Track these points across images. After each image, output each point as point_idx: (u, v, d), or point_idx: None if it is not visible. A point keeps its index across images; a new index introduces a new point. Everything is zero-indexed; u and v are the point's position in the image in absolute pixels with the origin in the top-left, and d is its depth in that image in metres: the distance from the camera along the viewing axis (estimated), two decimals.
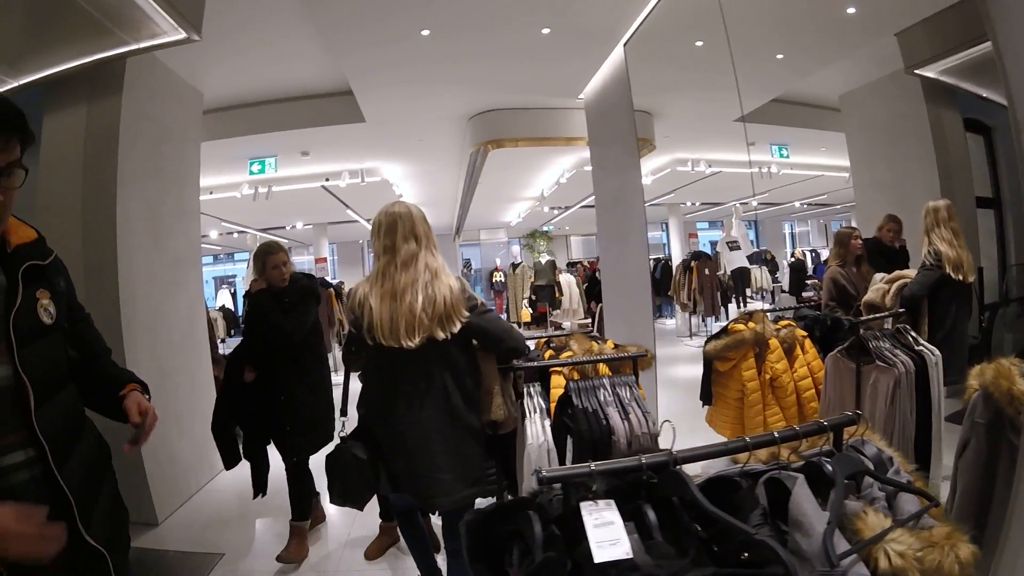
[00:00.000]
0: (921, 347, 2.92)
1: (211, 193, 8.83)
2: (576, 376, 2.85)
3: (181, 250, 4.73)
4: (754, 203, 8.28)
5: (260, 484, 3.57)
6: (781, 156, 5.63)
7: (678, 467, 1.13)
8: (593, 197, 11.07)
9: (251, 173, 8.54)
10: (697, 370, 3.54)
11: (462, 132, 7.73)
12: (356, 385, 2.62)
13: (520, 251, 13.37)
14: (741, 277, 8.14)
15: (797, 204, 8.06)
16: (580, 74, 5.48)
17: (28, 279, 1.36)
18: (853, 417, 1.35)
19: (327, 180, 9.36)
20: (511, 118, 7.02)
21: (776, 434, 1.28)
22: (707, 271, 7.83)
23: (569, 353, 3.17)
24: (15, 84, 3.66)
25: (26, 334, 1.32)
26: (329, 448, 2.50)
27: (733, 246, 8.18)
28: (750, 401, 3.25)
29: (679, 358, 7.29)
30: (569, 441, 2.38)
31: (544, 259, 12.48)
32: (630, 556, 0.98)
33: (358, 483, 2.37)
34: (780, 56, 3.91)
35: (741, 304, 7.99)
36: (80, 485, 1.39)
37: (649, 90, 4.68)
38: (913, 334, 3.01)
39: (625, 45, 4.63)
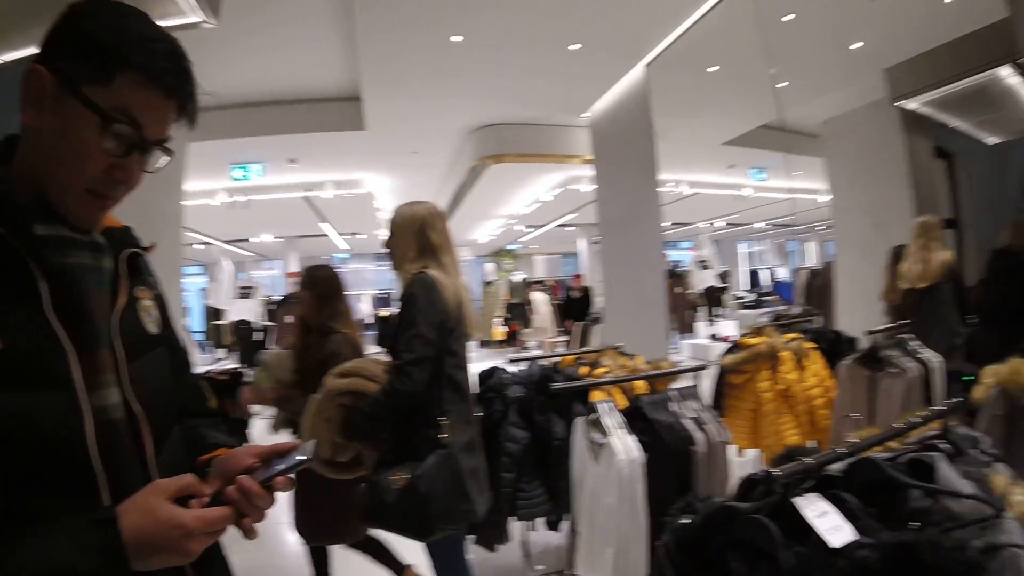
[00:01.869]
0: (923, 355, 3.23)
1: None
2: (617, 394, 3.02)
3: (163, 258, 4.50)
4: (720, 223, 8.63)
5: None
6: (758, 179, 5.91)
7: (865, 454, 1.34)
8: (572, 215, 11.31)
9: (234, 179, 8.09)
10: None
11: (460, 145, 7.77)
12: None
13: (492, 269, 13.40)
14: (711, 295, 8.45)
15: (762, 224, 8.38)
16: (592, 91, 5.66)
17: (129, 271, 0.99)
18: (961, 403, 1.59)
19: (307, 190, 9.07)
20: (515, 133, 7.11)
21: (920, 417, 1.53)
22: (678, 289, 8.06)
23: (605, 369, 3.35)
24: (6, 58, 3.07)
25: (133, 345, 0.93)
26: None
27: (704, 265, 8.49)
28: (765, 411, 3.42)
29: None
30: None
31: (518, 277, 12.55)
32: (857, 537, 1.13)
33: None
34: (783, 84, 4.17)
35: (711, 321, 8.26)
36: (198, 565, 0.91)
37: (652, 110, 4.91)
38: (916, 342, 3.33)
39: (648, 65, 4.85)
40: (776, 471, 1.25)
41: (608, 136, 5.62)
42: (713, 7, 4.12)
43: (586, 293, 10.83)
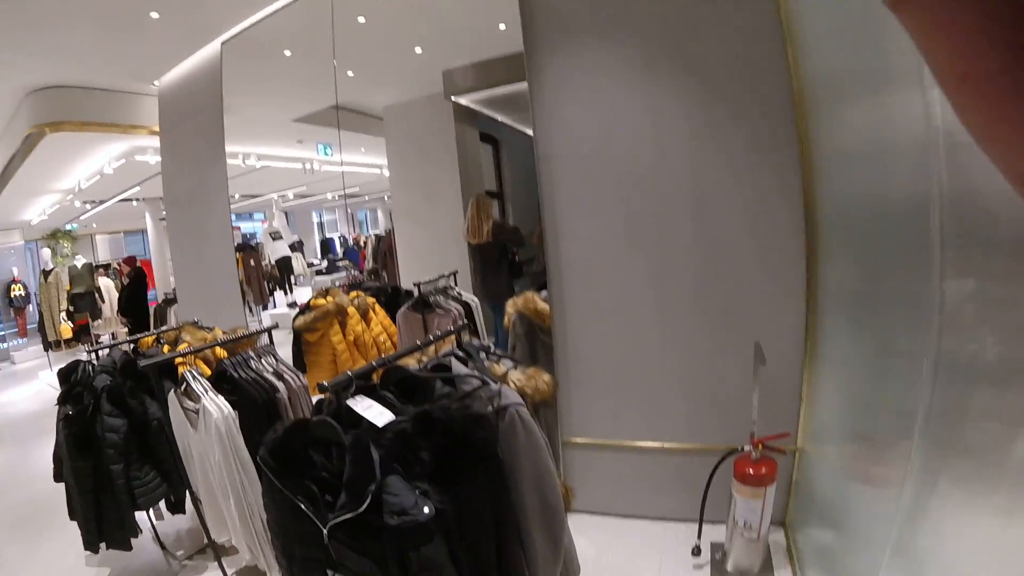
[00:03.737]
0: (465, 297, 4.06)
1: None
2: (201, 364, 3.21)
3: None
4: (291, 195, 8.88)
5: None
6: (325, 154, 6.30)
7: (394, 363, 1.80)
8: (136, 189, 10.34)
9: None
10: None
11: (16, 109, 6.70)
12: None
13: (49, 256, 11.43)
14: (285, 265, 8.67)
15: (329, 196, 8.80)
16: (166, 62, 5.34)
17: None
18: (464, 324, 2.18)
19: None
20: (78, 98, 6.34)
21: (431, 336, 2.04)
22: (252, 262, 8.15)
23: (186, 344, 3.51)
24: None
25: None
26: None
27: (276, 236, 8.65)
28: (342, 360, 3.88)
29: None
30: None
31: (80, 262, 10.99)
32: (394, 417, 1.57)
33: None
34: (350, 73, 4.52)
35: (288, 291, 8.51)
36: None
37: (224, 87, 4.90)
38: (458, 289, 4.13)
39: (224, 43, 4.81)
40: (325, 383, 1.65)
41: (177, 108, 5.37)
42: (292, 3, 4.39)
43: (138, 276, 9.99)
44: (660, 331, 3.12)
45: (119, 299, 10.34)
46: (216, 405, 2.62)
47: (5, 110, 6.85)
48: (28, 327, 13.16)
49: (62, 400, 3.20)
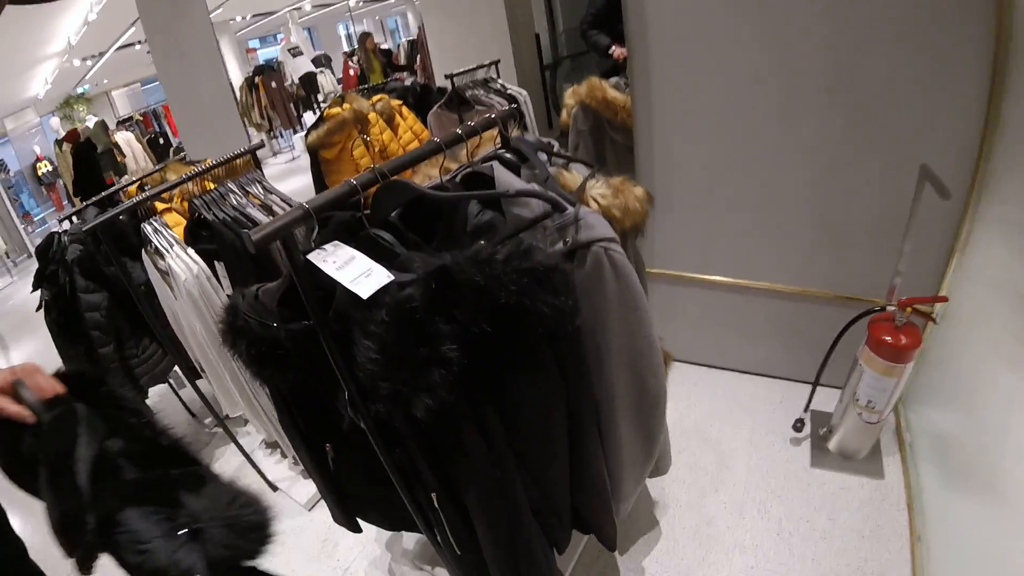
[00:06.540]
0: (511, 90, 3.33)
1: None
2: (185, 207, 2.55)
3: None
4: (308, 7, 8.04)
5: None
6: None
7: (392, 179, 1.04)
8: (130, 32, 9.61)
9: None
10: (293, 184, 3.48)
11: None
12: None
13: (58, 123, 11.14)
14: (310, 81, 8.02)
15: (352, 3, 8.07)
16: None
17: None
18: (514, 111, 1.40)
19: None
20: None
21: (459, 131, 1.27)
22: (273, 84, 7.55)
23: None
24: None
25: None
26: None
27: (296, 52, 8.03)
28: None
29: (272, 179, 7.20)
30: (217, 265, 2.11)
31: (92, 121, 10.52)
32: (392, 278, 0.87)
33: None
34: None
35: (316, 110, 7.90)
36: None
37: None
38: (501, 80, 3.41)
39: None
40: (254, 235, 0.90)
41: None
42: None
43: (80, 149, 9.75)
44: (782, 134, 2.19)
45: (72, 181, 9.89)
46: (183, 262, 2.01)
47: None
48: (63, 202, 12.89)
49: (37, 283, 2.69)
